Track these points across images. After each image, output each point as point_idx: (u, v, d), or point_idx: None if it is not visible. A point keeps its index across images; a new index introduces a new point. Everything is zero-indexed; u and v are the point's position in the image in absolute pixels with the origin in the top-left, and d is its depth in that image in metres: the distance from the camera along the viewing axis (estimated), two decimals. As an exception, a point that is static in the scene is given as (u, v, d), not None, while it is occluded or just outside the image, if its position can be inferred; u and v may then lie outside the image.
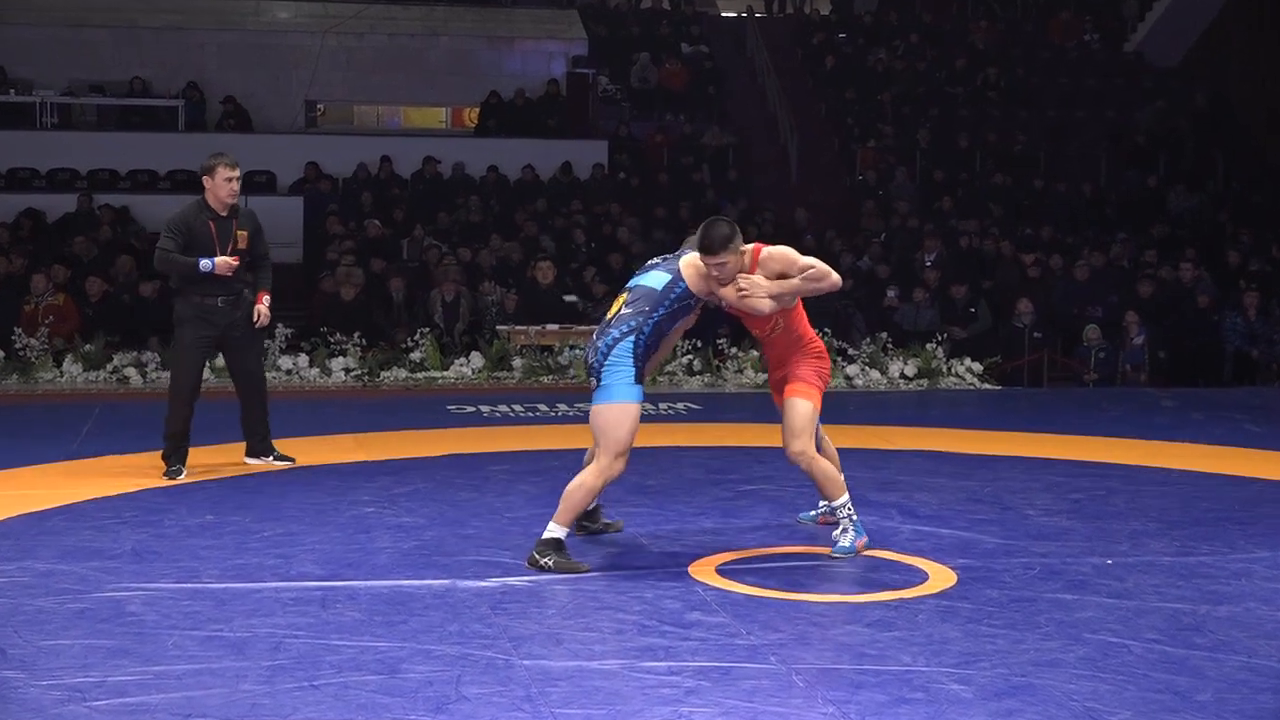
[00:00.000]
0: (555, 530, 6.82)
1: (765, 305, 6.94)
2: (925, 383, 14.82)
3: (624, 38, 25.83)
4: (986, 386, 15.02)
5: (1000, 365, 15.53)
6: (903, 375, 14.98)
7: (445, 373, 14.80)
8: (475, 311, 16.50)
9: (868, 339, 15.45)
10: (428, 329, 15.33)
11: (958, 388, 14.86)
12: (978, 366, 15.17)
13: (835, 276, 7.02)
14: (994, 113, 24.11)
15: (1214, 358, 16.64)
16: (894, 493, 8.79)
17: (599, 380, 6.91)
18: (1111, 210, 21.38)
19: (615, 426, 6.80)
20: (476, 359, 15.00)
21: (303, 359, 14.67)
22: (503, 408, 12.77)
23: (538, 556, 6.78)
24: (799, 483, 9.01)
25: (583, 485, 6.90)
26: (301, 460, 9.75)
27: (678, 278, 6.90)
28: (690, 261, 6.89)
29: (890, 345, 15.22)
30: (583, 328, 15.48)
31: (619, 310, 6.92)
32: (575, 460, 9.85)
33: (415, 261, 18.55)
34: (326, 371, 14.61)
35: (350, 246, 17.98)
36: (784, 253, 7.07)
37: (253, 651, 5.51)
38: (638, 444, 10.23)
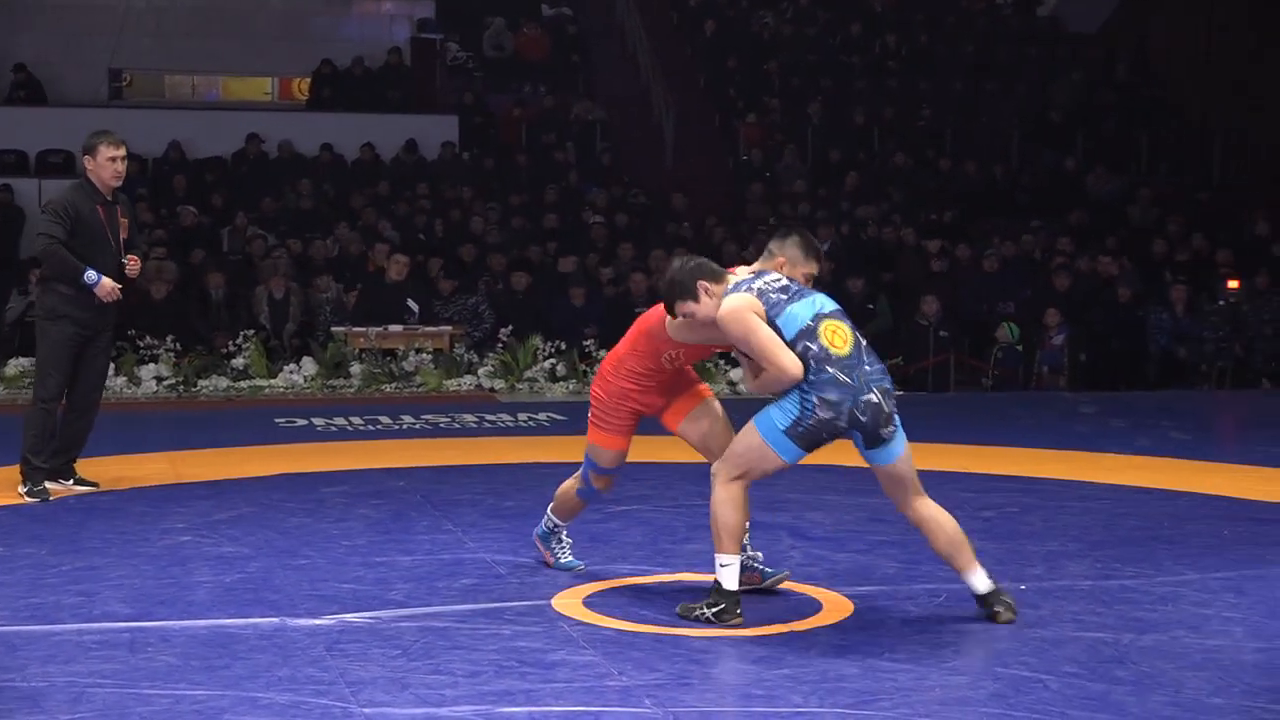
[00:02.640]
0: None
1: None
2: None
3: (475, -1, 25.80)
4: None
5: (902, 368, 15.69)
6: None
7: (273, 381, 14.71)
8: (307, 311, 16.39)
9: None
10: (252, 331, 15.22)
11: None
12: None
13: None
14: (894, 85, 24.34)
15: (1138, 358, 16.94)
16: (784, 513, 8.86)
17: (896, 426, 6.53)
18: (1024, 195, 21.68)
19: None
20: (308, 365, 14.91)
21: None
22: (339, 421, 12.69)
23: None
24: (677, 504, 9.07)
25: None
26: (106, 484, 9.63)
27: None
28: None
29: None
30: (431, 329, 15.44)
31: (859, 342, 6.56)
32: (421, 480, 9.84)
33: (237, 254, 18.39)
34: (135, 381, 14.44)
35: (161, 237, 17.79)
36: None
37: (50, 704, 5.43)
38: (497, 460, 10.25)
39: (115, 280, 9.32)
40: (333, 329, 15.55)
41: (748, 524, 6.88)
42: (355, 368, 14.89)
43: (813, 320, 6.42)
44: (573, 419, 12.91)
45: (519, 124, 22.98)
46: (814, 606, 6.82)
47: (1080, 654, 6.10)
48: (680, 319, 6.64)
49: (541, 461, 10.70)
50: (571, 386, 14.81)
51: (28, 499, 9.24)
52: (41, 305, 9.46)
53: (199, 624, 6.47)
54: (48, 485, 9.37)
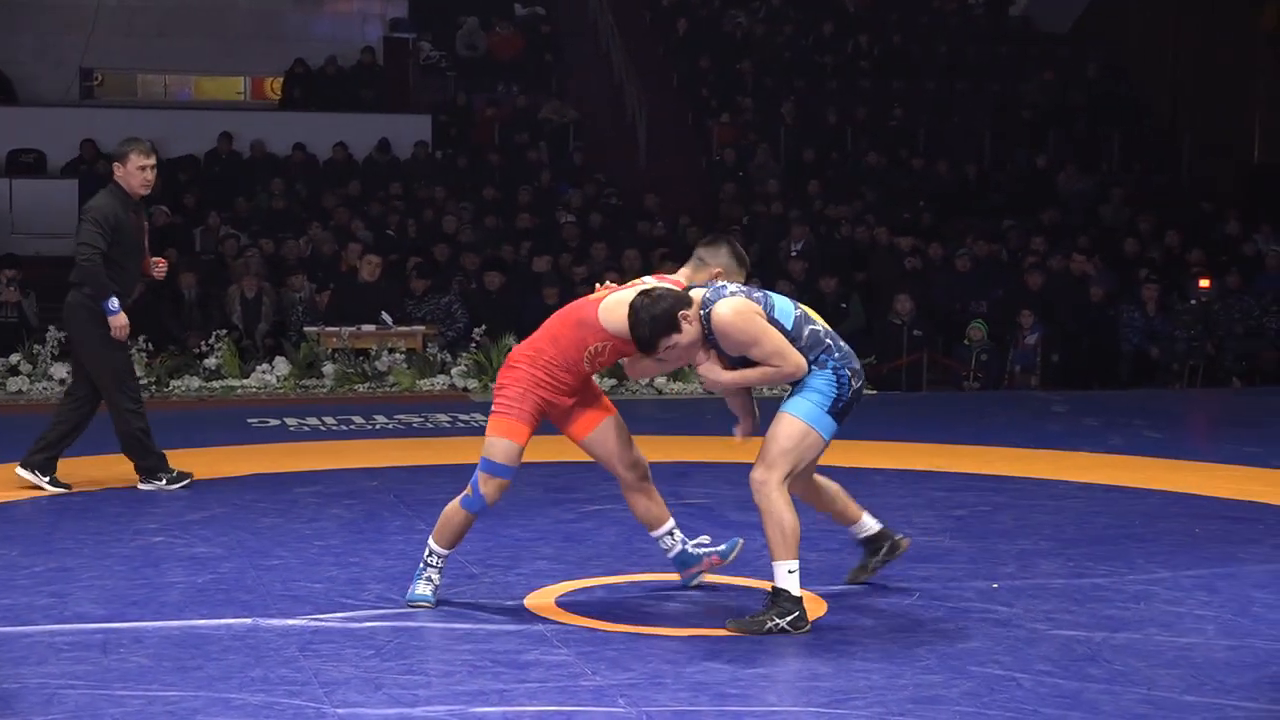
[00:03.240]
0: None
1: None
2: (789, 387, 14.93)
3: (449, -2, 25.76)
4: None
5: (875, 367, 15.71)
6: (766, 380, 15.11)
7: (245, 381, 14.67)
8: (280, 311, 16.35)
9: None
10: (225, 331, 15.18)
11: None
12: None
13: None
14: (866, 85, 24.38)
15: (1110, 357, 16.99)
16: (755, 512, 8.84)
17: None
18: (996, 194, 21.73)
19: None
20: (281, 365, 14.88)
21: (79, 367, 14.43)
22: (312, 420, 12.67)
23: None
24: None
25: None
26: (78, 484, 9.59)
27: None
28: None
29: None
30: (404, 329, 15.42)
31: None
32: (395, 480, 9.83)
33: (210, 254, 18.34)
34: (107, 381, 14.37)
35: (133, 237, 17.71)
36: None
37: (22, 705, 5.41)
38: (470, 460, 10.22)
39: (141, 281, 9.80)
40: (305, 329, 15.52)
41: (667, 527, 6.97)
42: (328, 368, 14.86)
43: (797, 308, 6.54)
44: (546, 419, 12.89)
45: (492, 123, 22.97)
46: (788, 605, 6.82)
47: (1053, 652, 6.11)
48: (658, 355, 6.49)
49: (515, 461, 10.68)
50: (545, 386, 14.78)
51: (50, 489, 9.44)
52: (85, 310, 9.58)
53: (172, 625, 6.45)
54: (21, 472, 9.49)
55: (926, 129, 23.48)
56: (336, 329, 15.21)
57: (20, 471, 9.54)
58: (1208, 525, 8.70)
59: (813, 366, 6.49)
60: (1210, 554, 7.93)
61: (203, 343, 14.95)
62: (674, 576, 7.23)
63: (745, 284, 6.73)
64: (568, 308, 6.93)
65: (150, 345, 14.68)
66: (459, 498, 6.87)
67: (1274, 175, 22.12)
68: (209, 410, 13.78)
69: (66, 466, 9.80)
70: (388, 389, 14.80)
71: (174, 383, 14.50)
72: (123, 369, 9.66)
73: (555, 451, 11.11)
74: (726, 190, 21.17)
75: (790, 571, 6.32)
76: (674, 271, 6.97)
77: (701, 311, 6.42)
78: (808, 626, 6.28)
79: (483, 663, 5.94)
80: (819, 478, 6.95)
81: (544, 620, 6.57)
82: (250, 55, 24.62)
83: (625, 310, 6.46)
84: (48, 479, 9.55)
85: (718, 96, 23.78)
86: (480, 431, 12.04)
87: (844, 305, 17.03)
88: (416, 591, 6.79)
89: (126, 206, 9.54)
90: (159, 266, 9.91)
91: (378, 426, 12.53)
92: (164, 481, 9.58)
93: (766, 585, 7.05)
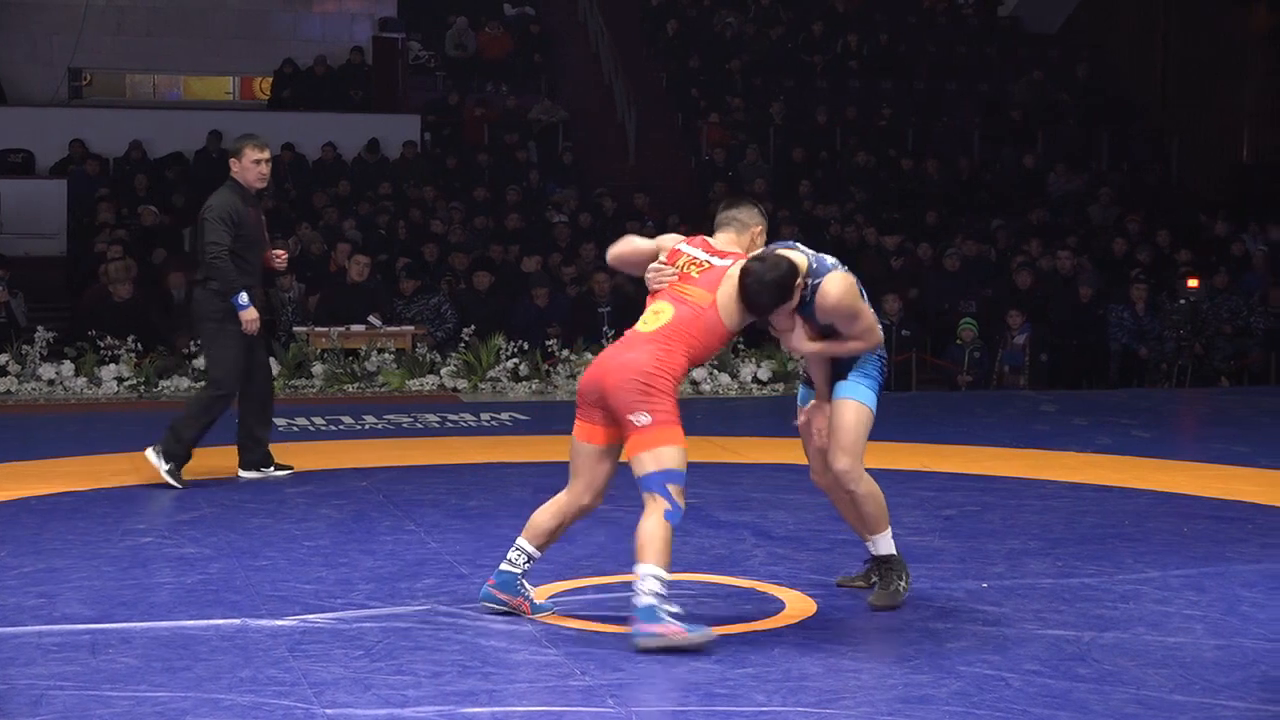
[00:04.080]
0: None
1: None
2: (781, 387, 14.97)
3: (438, -2, 25.76)
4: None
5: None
6: (755, 379, 15.13)
7: (234, 381, 14.63)
8: (269, 310, 16.33)
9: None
10: (214, 331, 15.14)
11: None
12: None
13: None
14: (855, 84, 24.40)
15: (1098, 356, 17.01)
16: (747, 512, 8.87)
17: None
18: (984, 192, 21.75)
19: None
20: (270, 365, 14.85)
21: (68, 367, 14.42)
22: (301, 420, 12.66)
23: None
24: (639, 503, 9.05)
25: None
26: (66, 485, 9.59)
27: None
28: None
29: (742, 346, 15.35)
30: (393, 329, 15.41)
31: None
32: (384, 481, 9.82)
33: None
34: (96, 381, 14.37)
35: (122, 237, 17.71)
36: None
37: (10, 706, 5.40)
38: (459, 460, 10.23)
39: (265, 272, 9.97)
40: (294, 329, 15.51)
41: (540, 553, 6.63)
42: (317, 368, 14.86)
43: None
44: (536, 419, 12.90)
45: (481, 123, 22.97)
46: (777, 605, 6.83)
47: (1042, 652, 6.12)
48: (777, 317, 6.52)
49: (505, 461, 10.70)
50: (534, 386, 14.80)
51: (165, 477, 9.57)
52: (210, 307, 9.73)
53: (160, 625, 6.44)
54: (242, 474, 9.97)
55: (915, 129, 23.50)
56: (326, 329, 15.20)
57: (245, 474, 9.97)
58: (1196, 525, 8.71)
59: None
60: (1198, 554, 7.94)
61: (191, 343, 14.92)
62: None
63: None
64: (686, 317, 6.37)
65: (139, 346, 14.67)
66: (655, 516, 6.24)
67: (1263, 175, 22.15)
68: (198, 410, 13.74)
69: (57, 467, 9.79)
70: (377, 389, 14.79)
71: (163, 383, 14.48)
72: (231, 370, 9.78)
73: (544, 452, 11.13)
74: (716, 190, 21.15)
75: (889, 539, 6.72)
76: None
77: (812, 281, 6.40)
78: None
79: (472, 663, 5.94)
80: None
81: (534, 620, 6.56)
82: (239, 55, 24.60)
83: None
84: (272, 468, 10.02)
85: (707, 96, 23.79)
86: (469, 433, 12.09)
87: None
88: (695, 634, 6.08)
89: (245, 200, 9.74)
90: (279, 258, 10.12)
91: (367, 427, 12.52)
92: (259, 471, 10.00)
93: (748, 584, 7.05)
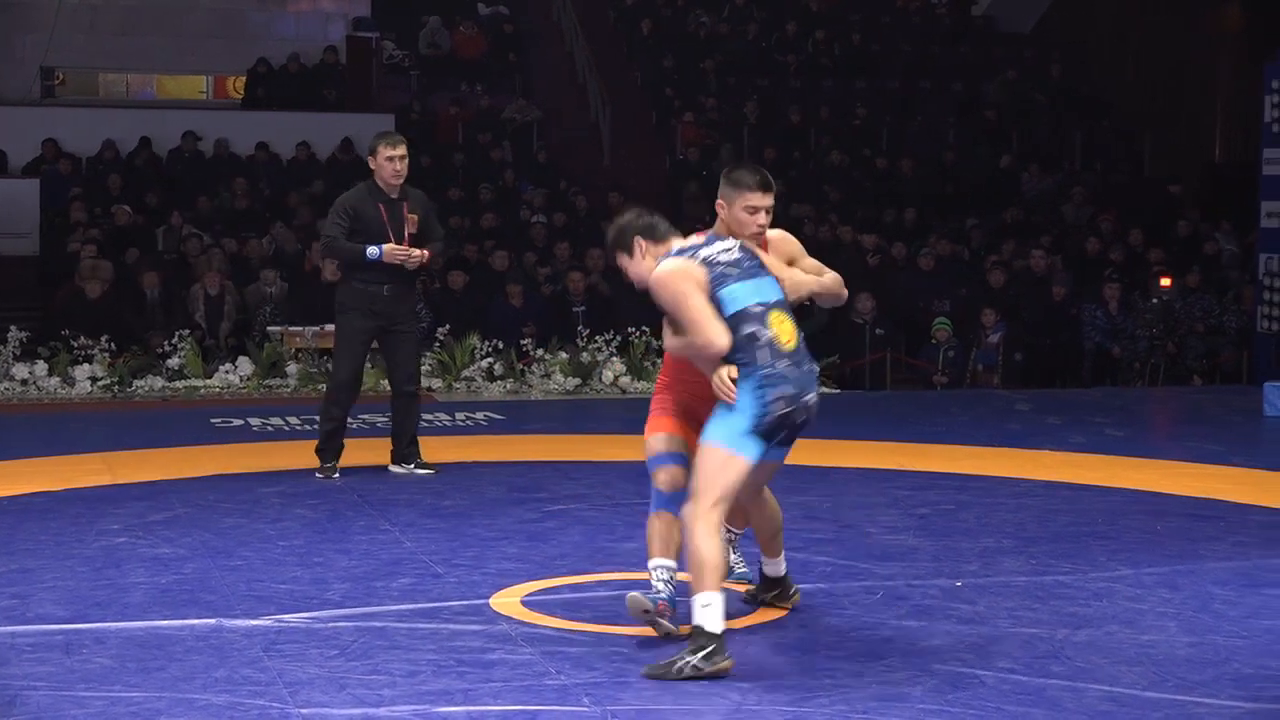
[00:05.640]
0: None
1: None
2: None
3: (412, -3, 25.72)
4: (824, 390, 15.20)
5: (838, 366, 15.75)
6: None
7: (208, 381, 14.63)
8: (243, 310, 16.31)
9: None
10: (188, 331, 15.13)
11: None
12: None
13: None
14: (829, 84, 24.42)
15: (1072, 355, 17.06)
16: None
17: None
18: (953, 190, 21.77)
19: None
20: (245, 365, 14.84)
21: (41, 367, 14.38)
22: (275, 421, 12.64)
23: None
24: (614, 502, 9.06)
25: None
26: (39, 485, 9.56)
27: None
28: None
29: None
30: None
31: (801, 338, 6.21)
32: (358, 480, 9.81)
33: (172, 254, 18.27)
34: (69, 381, 14.34)
35: (95, 236, 17.66)
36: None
37: (-17, 707, 5.39)
38: (434, 459, 10.23)
39: (396, 274, 9.84)
40: (269, 329, 15.48)
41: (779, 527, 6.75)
42: (291, 367, 14.83)
43: (759, 306, 6.04)
44: (510, 419, 12.90)
45: (456, 123, 22.94)
46: (750, 605, 6.83)
47: (1016, 649, 6.14)
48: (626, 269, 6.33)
49: (479, 461, 10.69)
50: (509, 386, 14.78)
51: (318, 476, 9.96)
52: (337, 300, 10.07)
53: (135, 626, 6.43)
54: (392, 468, 10.15)
55: (889, 128, 23.53)
56: (300, 329, 15.17)
57: (395, 469, 10.15)
58: (1169, 523, 8.74)
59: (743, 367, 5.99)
60: (1171, 551, 7.97)
61: (165, 343, 14.90)
62: (636, 575, 7.24)
63: (768, 205, 6.45)
64: None
65: (113, 345, 14.63)
66: (667, 516, 6.38)
67: (1235, 175, 22.21)
68: (172, 410, 13.73)
69: (28, 468, 9.76)
70: (351, 389, 14.76)
71: (137, 383, 14.45)
72: (349, 368, 10.03)
73: (518, 451, 11.14)
74: (690, 189, 21.17)
75: (705, 605, 5.76)
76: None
77: (662, 259, 6.17)
78: (725, 661, 5.71)
79: (447, 662, 5.94)
80: (772, 501, 6.62)
81: (509, 620, 6.56)
82: (213, 54, 24.54)
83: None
84: (414, 465, 10.13)
85: (681, 96, 23.80)
86: (444, 432, 12.09)
87: (808, 303, 17.02)
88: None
89: (375, 199, 9.87)
90: (412, 256, 9.89)
91: (341, 426, 12.50)
92: (413, 466, 10.15)
93: (743, 586, 7.06)
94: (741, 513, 6.65)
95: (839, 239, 19.27)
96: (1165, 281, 17.41)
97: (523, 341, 15.33)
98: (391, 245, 9.74)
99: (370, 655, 6.03)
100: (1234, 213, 19.81)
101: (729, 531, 6.81)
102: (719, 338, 5.94)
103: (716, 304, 6.01)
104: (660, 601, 6.26)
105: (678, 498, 6.24)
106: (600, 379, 14.91)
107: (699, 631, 5.74)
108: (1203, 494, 9.60)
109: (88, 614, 6.61)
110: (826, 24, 25.71)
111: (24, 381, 14.29)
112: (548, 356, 15.08)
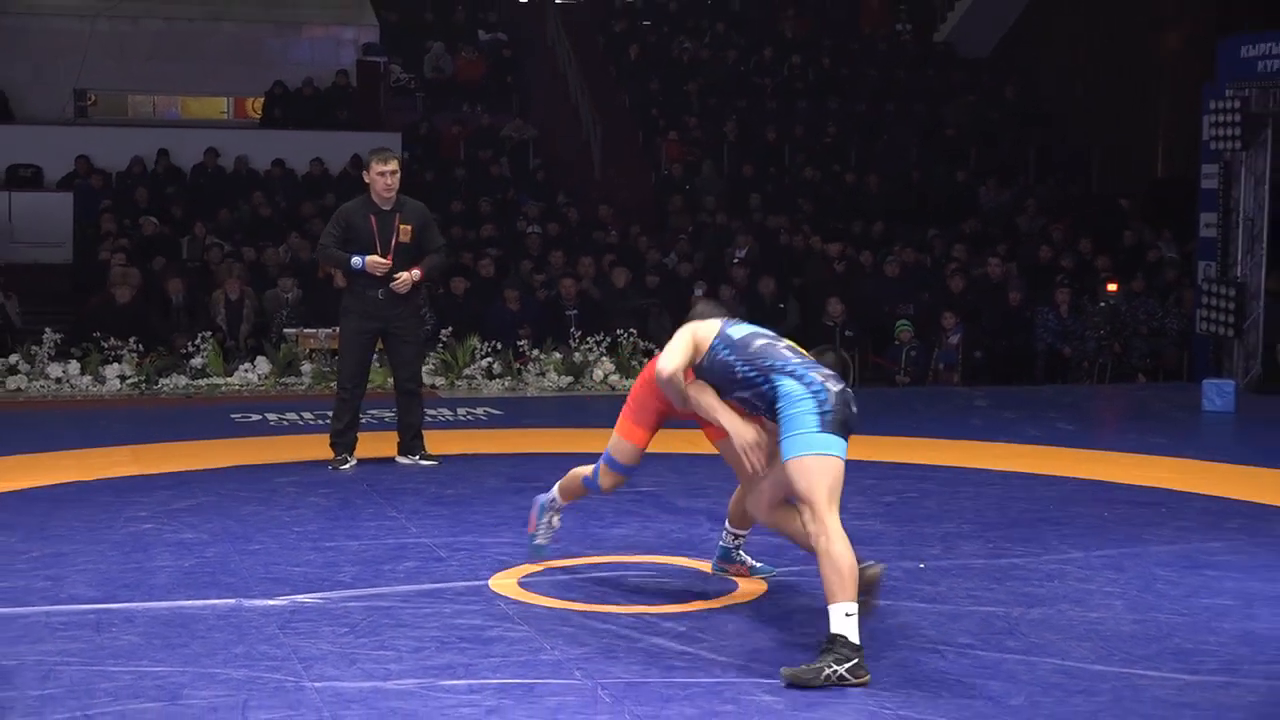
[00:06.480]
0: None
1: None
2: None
3: (417, 24, 25.67)
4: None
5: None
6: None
7: (229, 379, 14.58)
8: (261, 313, 16.28)
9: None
10: (210, 333, 15.09)
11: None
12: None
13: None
14: (803, 105, 24.42)
15: (1026, 355, 17.06)
16: (703, 498, 8.87)
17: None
18: (916, 202, 21.76)
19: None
20: (262, 364, 14.80)
21: (74, 366, 14.34)
22: (291, 416, 12.62)
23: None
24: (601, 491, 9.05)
25: None
26: (72, 475, 9.54)
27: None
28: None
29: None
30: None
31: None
32: (368, 471, 9.80)
33: (196, 261, 18.23)
34: (100, 379, 14.29)
35: (125, 246, 17.62)
36: None
37: (20, 681, 5.37)
38: (438, 451, 10.21)
39: (384, 282, 9.77)
40: (285, 330, 15.45)
41: (744, 533, 6.82)
42: (306, 367, 14.80)
43: (777, 340, 6.09)
44: (508, 414, 12.89)
45: (458, 141, 22.91)
46: (730, 585, 6.84)
47: (974, 626, 6.14)
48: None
49: (479, 453, 10.68)
50: (507, 384, 14.76)
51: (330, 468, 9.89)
52: (341, 304, 10.12)
53: (160, 605, 6.41)
54: (399, 459, 10.11)
55: (858, 146, 23.52)
56: (314, 331, 15.14)
57: (401, 460, 10.12)
58: (1116, 510, 8.75)
59: (774, 386, 5.87)
60: (1118, 536, 7.98)
61: (189, 344, 14.86)
62: (624, 559, 7.25)
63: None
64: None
65: (140, 346, 14.59)
66: (589, 468, 6.86)
67: (1176, 188, 22.22)
68: (195, 407, 13.70)
69: (61, 461, 9.73)
70: (361, 386, 14.73)
71: (162, 381, 14.40)
72: (351, 367, 10.03)
73: (515, 444, 11.13)
74: (674, 202, 21.17)
75: (849, 615, 5.43)
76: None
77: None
78: (867, 676, 5.37)
79: (449, 639, 5.93)
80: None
81: (506, 600, 6.56)
82: (233, 77, 24.49)
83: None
84: (418, 456, 10.11)
85: (666, 116, 23.78)
86: (446, 426, 12.07)
87: (781, 306, 17.08)
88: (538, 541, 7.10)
89: (368, 210, 9.85)
90: (399, 278, 9.78)
91: (352, 421, 12.48)
92: (418, 458, 10.11)
93: (704, 566, 7.06)
94: (748, 515, 6.66)
95: (810, 248, 19.27)
96: (1112, 287, 17.41)
97: (519, 343, 15.30)
98: (374, 257, 9.72)
99: (378, 632, 6.02)
100: (1175, 223, 19.81)
101: (735, 535, 6.83)
102: (665, 358, 6.06)
103: (723, 336, 6.07)
104: None
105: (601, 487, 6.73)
106: (591, 377, 14.89)
107: (843, 642, 5.38)
108: (1147, 483, 9.61)
109: (117, 594, 6.60)
110: (801, 50, 25.72)
111: (58, 380, 14.24)
112: (542, 356, 15.05)
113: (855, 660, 5.34)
